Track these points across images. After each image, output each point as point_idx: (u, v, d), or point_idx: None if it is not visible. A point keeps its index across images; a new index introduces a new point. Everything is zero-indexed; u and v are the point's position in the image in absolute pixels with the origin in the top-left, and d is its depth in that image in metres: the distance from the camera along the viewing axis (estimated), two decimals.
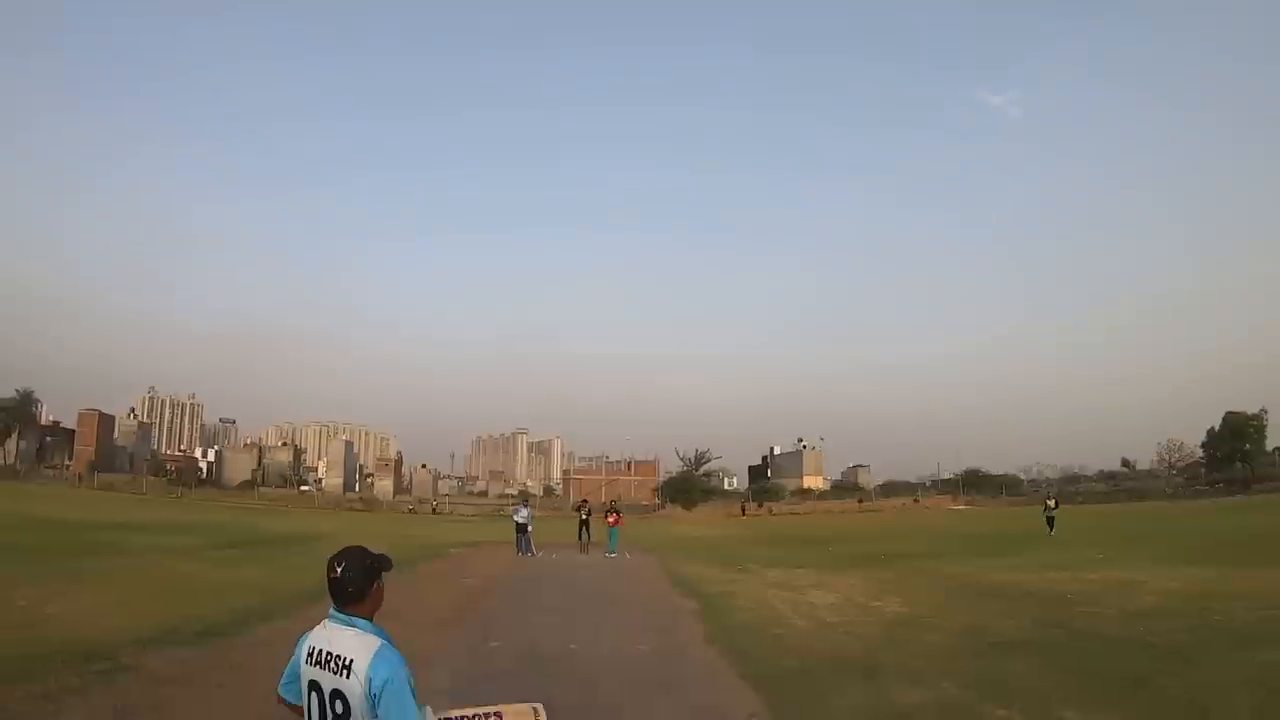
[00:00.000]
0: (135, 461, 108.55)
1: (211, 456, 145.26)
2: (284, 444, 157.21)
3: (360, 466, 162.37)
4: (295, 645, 2.39)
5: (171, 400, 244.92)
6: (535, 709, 2.65)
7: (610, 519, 21.98)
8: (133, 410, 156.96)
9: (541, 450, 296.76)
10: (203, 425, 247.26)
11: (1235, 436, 71.97)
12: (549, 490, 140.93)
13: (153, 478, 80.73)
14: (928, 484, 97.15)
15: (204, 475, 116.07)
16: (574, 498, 58.51)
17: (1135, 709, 5.74)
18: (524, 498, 58.44)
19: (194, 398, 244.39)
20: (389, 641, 2.30)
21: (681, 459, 77.76)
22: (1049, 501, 29.54)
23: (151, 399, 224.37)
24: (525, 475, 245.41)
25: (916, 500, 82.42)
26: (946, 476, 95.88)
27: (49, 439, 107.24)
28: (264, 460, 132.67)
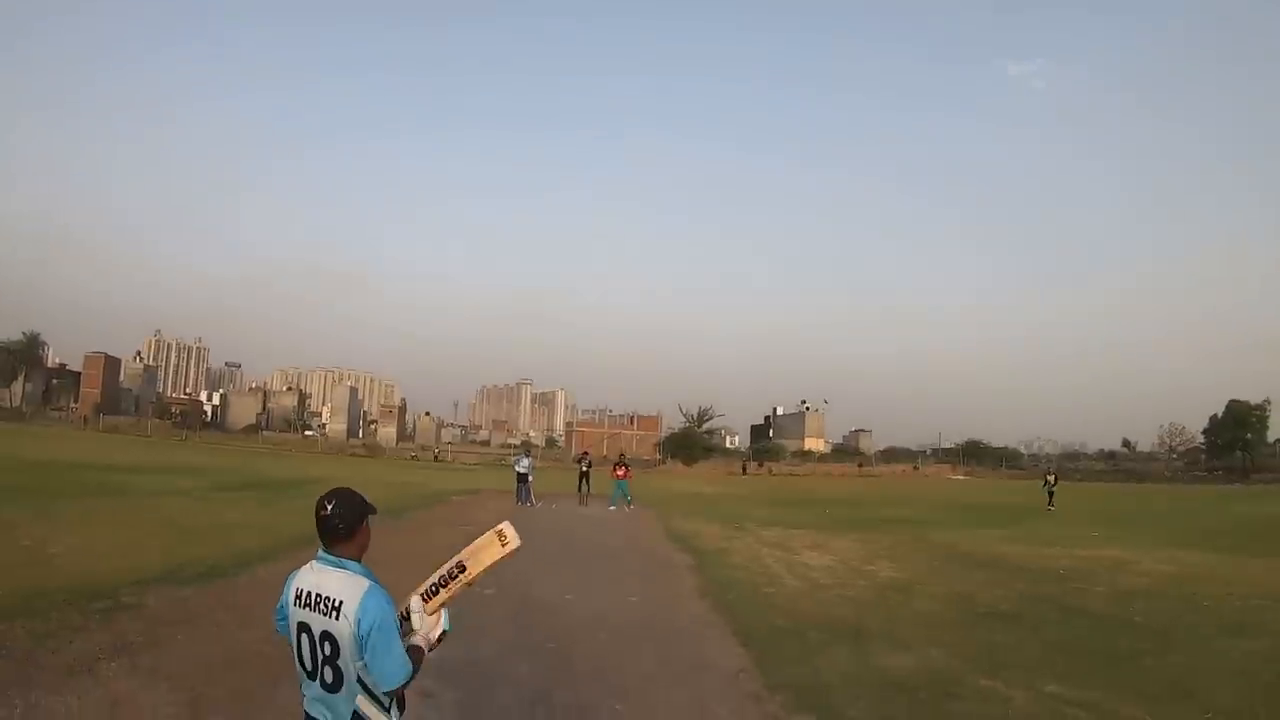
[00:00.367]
0: (140, 404, 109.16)
1: (216, 400, 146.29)
2: (289, 389, 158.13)
3: (364, 413, 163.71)
4: (284, 583, 2.43)
5: (178, 344, 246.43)
6: (499, 531, 2.54)
7: (619, 472, 22.09)
8: (139, 353, 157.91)
9: (545, 401, 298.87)
10: (208, 369, 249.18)
11: (1238, 425, 71.95)
12: (551, 441, 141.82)
13: (157, 420, 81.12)
14: (928, 452, 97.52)
15: (209, 419, 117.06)
16: (576, 449, 58.93)
17: (1119, 687, 5.79)
18: (526, 448, 59.04)
19: (200, 341, 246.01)
20: (377, 583, 2.31)
21: (684, 415, 77.91)
22: (1049, 477, 29.79)
23: (158, 342, 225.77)
24: (528, 426, 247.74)
25: (916, 468, 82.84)
26: (947, 446, 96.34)
27: (55, 381, 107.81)
28: (269, 404, 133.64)
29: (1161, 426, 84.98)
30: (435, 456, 73.95)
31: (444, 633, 2.45)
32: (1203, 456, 78.46)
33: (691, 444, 73.57)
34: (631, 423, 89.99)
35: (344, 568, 2.31)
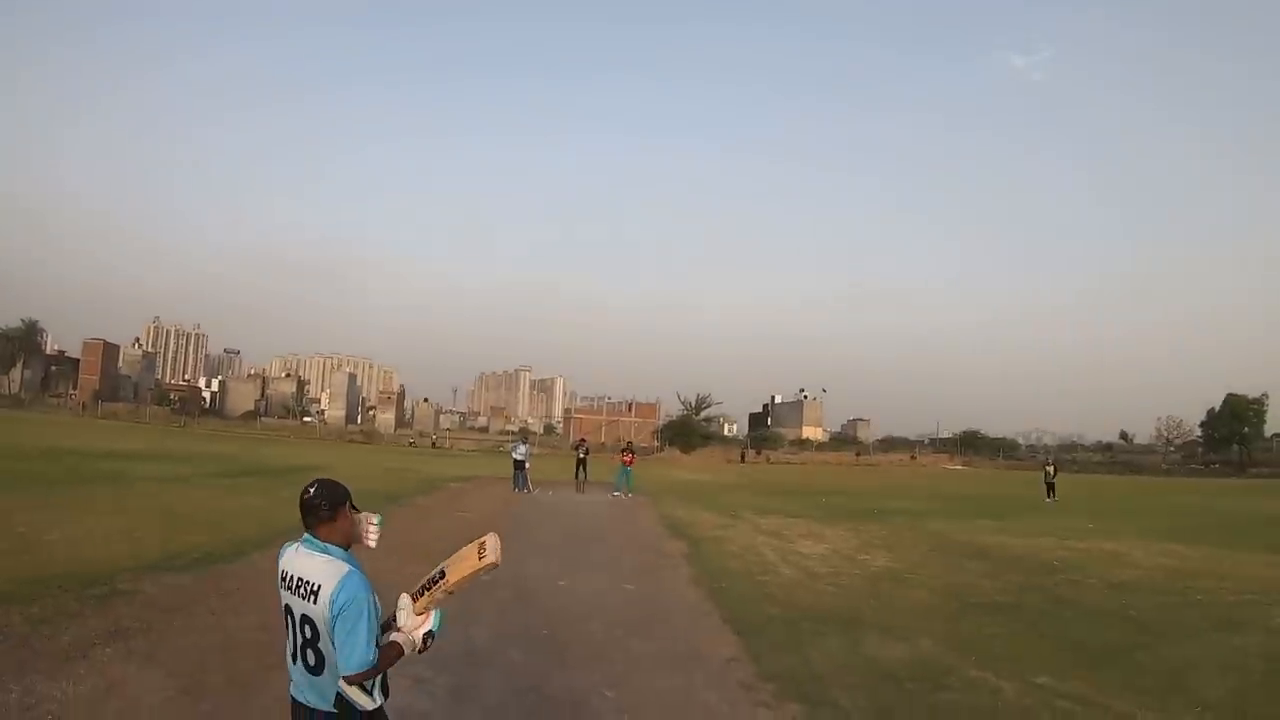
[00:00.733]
0: (139, 391, 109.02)
1: (215, 387, 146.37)
2: (288, 375, 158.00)
3: (363, 399, 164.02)
4: (278, 556, 2.49)
5: (176, 330, 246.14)
6: (481, 543, 2.52)
7: (626, 458, 22.08)
8: (137, 340, 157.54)
9: (544, 388, 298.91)
10: (207, 355, 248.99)
11: (1235, 419, 72.42)
12: (550, 428, 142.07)
13: (156, 407, 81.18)
14: (926, 442, 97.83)
15: (207, 405, 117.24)
16: (574, 436, 58.96)
17: (1110, 679, 5.82)
18: (524, 434, 59.09)
19: (199, 328, 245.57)
20: (358, 568, 2.33)
21: (682, 402, 77.78)
22: (1048, 468, 29.44)
23: (156, 329, 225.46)
24: (527, 412, 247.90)
25: (914, 457, 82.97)
26: (945, 436, 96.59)
27: (54, 368, 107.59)
28: (267, 391, 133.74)
29: (1159, 419, 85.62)
30: (433, 443, 74.12)
31: (430, 634, 2.42)
32: (1199, 450, 78.83)
33: (690, 432, 73.48)
34: (630, 410, 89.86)
35: (327, 553, 2.35)
